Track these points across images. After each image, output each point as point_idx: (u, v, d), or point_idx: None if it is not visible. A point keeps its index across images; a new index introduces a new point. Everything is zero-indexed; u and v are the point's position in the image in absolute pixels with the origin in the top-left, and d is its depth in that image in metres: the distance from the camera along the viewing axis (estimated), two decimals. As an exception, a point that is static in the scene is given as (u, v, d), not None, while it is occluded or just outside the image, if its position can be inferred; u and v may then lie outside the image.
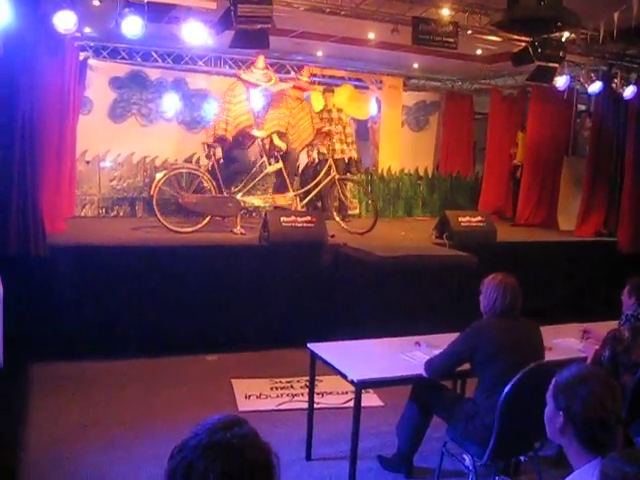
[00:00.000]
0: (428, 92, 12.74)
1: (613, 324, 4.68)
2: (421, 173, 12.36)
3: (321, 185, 9.06)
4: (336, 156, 9.83)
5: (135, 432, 5.18)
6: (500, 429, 3.80)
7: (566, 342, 5.13)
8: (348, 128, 10.24)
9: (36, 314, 6.36)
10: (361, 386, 4.27)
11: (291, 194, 8.79)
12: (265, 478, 1.61)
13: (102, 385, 6.16)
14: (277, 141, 8.91)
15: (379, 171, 11.72)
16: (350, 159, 10.18)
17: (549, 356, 4.33)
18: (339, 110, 10.23)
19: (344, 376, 4.31)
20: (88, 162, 9.78)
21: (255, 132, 8.79)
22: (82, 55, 9.34)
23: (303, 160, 10.44)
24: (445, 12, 7.38)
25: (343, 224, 9.11)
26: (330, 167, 9.09)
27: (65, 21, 6.25)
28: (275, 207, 8.65)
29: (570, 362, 2.48)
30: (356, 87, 11.25)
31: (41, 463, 4.62)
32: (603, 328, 4.62)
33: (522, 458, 4.40)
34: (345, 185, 9.53)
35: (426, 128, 12.76)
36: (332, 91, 10.32)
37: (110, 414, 5.51)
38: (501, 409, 3.76)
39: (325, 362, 4.61)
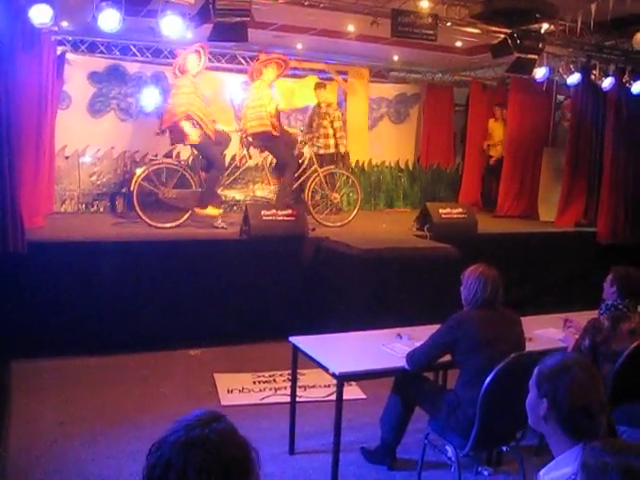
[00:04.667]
0: (409, 84, 12.73)
1: (593, 314, 4.70)
2: (402, 165, 12.37)
3: (301, 179, 9.02)
4: (321, 151, 9.81)
5: (117, 428, 5.16)
6: (482, 420, 3.82)
7: (547, 332, 5.16)
8: (337, 122, 10.15)
9: (15, 311, 6.34)
10: (343, 379, 4.28)
11: (273, 187, 8.75)
12: (244, 473, 1.61)
13: (84, 381, 6.13)
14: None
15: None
16: (337, 154, 10.11)
17: (530, 347, 4.36)
18: (328, 105, 10.17)
19: (326, 369, 4.32)
20: (67, 157, 9.68)
21: (224, 127, 8.73)
22: (60, 49, 9.24)
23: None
24: (424, 4, 7.37)
25: (320, 217, 9.04)
26: (311, 161, 9.06)
27: (41, 15, 6.16)
28: (256, 200, 8.60)
29: (550, 352, 2.49)
30: (321, 79, 11.08)
31: (22, 461, 4.59)
32: (584, 318, 4.65)
33: (504, 448, 4.41)
34: (328, 178, 9.48)
35: (407, 120, 12.73)
36: (324, 86, 10.26)
37: (92, 410, 5.48)
38: (482, 400, 3.78)
39: (307, 355, 4.62)
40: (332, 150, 10.02)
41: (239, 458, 1.60)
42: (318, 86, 10.23)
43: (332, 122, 10.07)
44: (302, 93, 10.89)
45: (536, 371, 2.36)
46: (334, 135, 10.05)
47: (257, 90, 8.60)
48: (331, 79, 11.40)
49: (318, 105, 10.14)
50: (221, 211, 8.42)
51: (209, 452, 1.56)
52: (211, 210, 8.22)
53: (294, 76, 10.75)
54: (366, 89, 11.90)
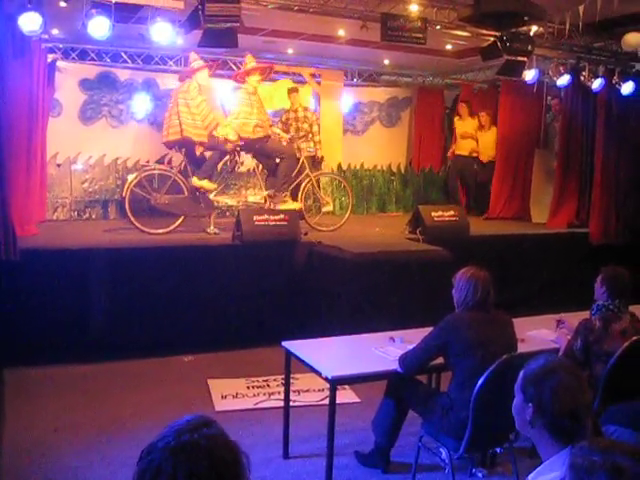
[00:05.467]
0: (400, 88, 12.76)
1: (586, 314, 4.71)
2: (394, 169, 12.40)
3: (294, 183, 9.03)
4: (303, 154, 9.79)
5: (111, 435, 5.15)
6: (475, 422, 3.82)
7: (539, 333, 5.16)
8: (315, 126, 10.14)
9: (8, 319, 6.32)
10: (336, 383, 4.28)
11: (264, 193, 8.75)
12: (234, 478, 1.61)
13: (77, 388, 6.11)
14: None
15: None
16: (315, 157, 10.10)
17: (522, 348, 4.36)
18: (305, 109, 10.15)
19: (319, 373, 4.32)
20: (59, 165, 9.70)
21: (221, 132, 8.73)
22: (50, 57, 9.26)
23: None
24: (413, 8, 7.40)
25: (312, 221, 9.05)
26: (303, 165, 9.07)
27: (30, 23, 6.15)
28: (248, 205, 8.60)
29: (541, 353, 2.50)
30: (295, 82, 11.02)
31: (15, 469, 4.57)
32: (576, 318, 4.66)
33: (498, 450, 4.43)
34: (319, 182, 9.50)
35: (399, 124, 12.78)
36: (297, 90, 10.25)
37: (85, 417, 5.47)
38: (475, 402, 3.79)
39: (300, 360, 4.61)
40: (313, 153, 9.99)
41: (229, 463, 1.61)
42: (291, 91, 10.19)
43: (311, 125, 10.02)
44: (277, 96, 10.81)
45: (521, 375, 2.36)
46: (313, 138, 10.04)
47: (243, 96, 8.60)
48: (304, 82, 11.36)
49: (294, 110, 10.07)
50: (215, 186, 8.45)
51: (199, 457, 1.57)
52: (207, 183, 8.29)
53: (240, 74, 10.59)
54: (339, 92, 11.80)
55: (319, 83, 11.58)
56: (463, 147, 11.53)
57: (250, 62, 8.69)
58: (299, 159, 9.05)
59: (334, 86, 11.68)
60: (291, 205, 8.65)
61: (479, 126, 11.53)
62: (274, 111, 10.56)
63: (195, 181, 8.19)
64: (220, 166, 9.00)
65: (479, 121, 11.54)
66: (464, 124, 11.55)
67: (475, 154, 11.53)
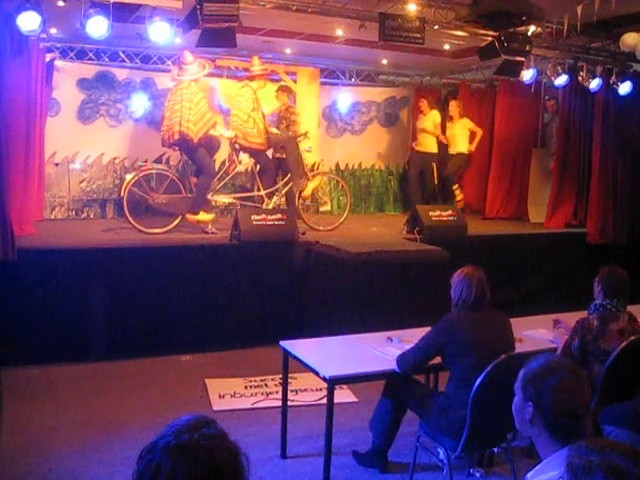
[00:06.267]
0: (398, 87, 12.76)
1: (583, 314, 4.72)
2: (392, 169, 12.40)
3: (291, 183, 9.02)
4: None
5: (108, 435, 5.15)
6: (472, 421, 3.83)
7: (537, 333, 5.18)
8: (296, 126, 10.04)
9: (5, 318, 6.32)
10: (333, 382, 4.29)
11: (262, 192, 8.76)
12: (234, 478, 1.61)
13: (75, 388, 6.12)
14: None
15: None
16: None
17: (520, 348, 4.38)
18: (287, 107, 10.01)
19: (316, 373, 4.32)
20: (57, 164, 9.69)
21: (223, 132, 8.71)
22: (49, 56, 9.25)
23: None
24: (412, 8, 7.39)
25: (310, 221, 9.05)
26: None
27: (29, 22, 6.14)
28: (245, 205, 8.60)
29: (540, 353, 2.50)
30: (271, 81, 10.80)
31: (13, 468, 4.57)
32: (573, 318, 4.65)
33: (496, 449, 4.44)
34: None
35: (397, 124, 12.76)
36: (288, 89, 10.18)
37: (83, 417, 5.48)
38: (473, 402, 3.79)
39: (298, 359, 4.62)
40: (310, 150, 9.92)
41: (229, 463, 1.61)
42: (283, 89, 10.06)
43: (296, 124, 9.94)
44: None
45: (521, 374, 2.36)
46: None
47: (244, 97, 8.58)
48: (279, 80, 11.16)
49: (286, 108, 9.90)
50: (213, 216, 8.37)
51: (199, 457, 1.57)
52: (203, 216, 8.17)
53: (245, 77, 10.54)
54: (316, 90, 11.60)
55: (295, 81, 11.47)
56: (422, 143, 11.00)
57: (257, 65, 8.70)
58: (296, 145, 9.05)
59: (310, 84, 11.44)
60: (203, 217, 8.26)
61: (448, 117, 11.08)
62: (217, 105, 10.40)
63: (190, 218, 8.10)
64: (218, 165, 9.00)
65: (448, 112, 11.09)
66: (423, 120, 11.03)
67: (434, 150, 10.89)
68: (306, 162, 9.38)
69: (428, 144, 10.87)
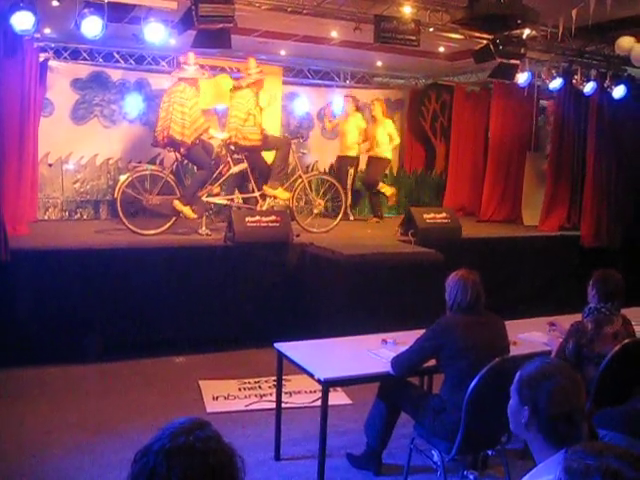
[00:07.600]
0: (392, 90, 12.76)
1: (578, 317, 4.72)
2: (386, 171, 12.37)
3: (285, 185, 9.02)
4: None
5: (101, 437, 5.13)
6: (467, 424, 3.83)
7: (531, 336, 5.18)
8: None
9: (-1, 319, 6.29)
10: (328, 384, 4.28)
11: (256, 193, 8.74)
12: (229, 481, 1.61)
13: (66, 390, 6.09)
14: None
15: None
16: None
17: (514, 351, 4.38)
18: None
19: (311, 375, 4.31)
20: (50, 165, 9.65)
21: (216, 135, 8.70)
22: (42, 56, 9.20)
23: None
24: (407, 10, 7.39)
25: (304, 223, 9.03)
26: (295, 167, 9.05)
27: (23, 22, 6.12)
28: (240, 207, 8.58)
29: (535, 356, 2.50)
30: (233, 78, 10.53)
31: (5, 470, 4.55)
32: (568, 321, 4.66)
33: (490, 452, 4.43)
34: (311, 184, 9.48)
35: (392, 126, 12.75)
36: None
37: (75, 419, 5.45)
38: (467, 404, 3.79)
39: (292, 361, 4.61)
40: None
41: (224, 465, 1.60)
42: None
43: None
44: (216, 92, 10.32)
45: (517, 377, 2.36)
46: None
47: (244, 99, 8.57)
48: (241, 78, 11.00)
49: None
50: (195, 217, 8.26)
51: (194, 459, 1.56)
52: (188, 211, 8.11)
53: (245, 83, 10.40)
54: (278, 88, 11.30)
55: (237, 79, 11.08)
56: (341, 147, 10.80)
57: (254, 68, 8.69)
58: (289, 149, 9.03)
59: (272, 82, 10.82)
60: (281, 194, 8.66)
61: (372, 119, 10.79)
62: (213, 108, 10.34)
63: (177, 204, 8.04)
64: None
65: (370, 114, 10.83)
66: (343, 122, 10.79)
67: (354, 153, 10.59)
68: (298, 165, 9.36)
69: (345, 148, 10.68)
